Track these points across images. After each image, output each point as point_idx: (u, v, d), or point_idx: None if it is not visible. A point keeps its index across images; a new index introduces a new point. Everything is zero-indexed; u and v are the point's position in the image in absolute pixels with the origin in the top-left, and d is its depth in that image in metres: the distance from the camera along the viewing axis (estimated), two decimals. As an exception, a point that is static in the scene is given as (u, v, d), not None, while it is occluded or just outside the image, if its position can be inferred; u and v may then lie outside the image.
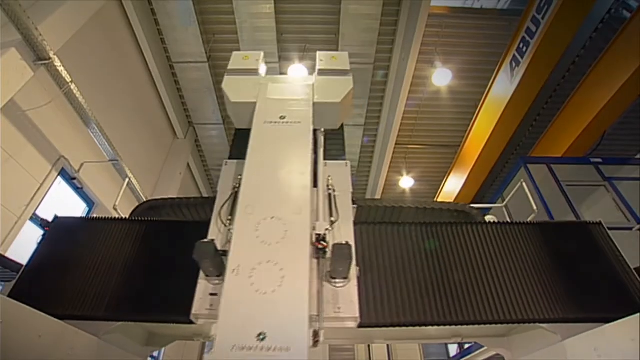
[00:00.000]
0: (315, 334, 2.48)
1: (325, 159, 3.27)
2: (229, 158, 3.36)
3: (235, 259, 2.33)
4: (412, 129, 10.90)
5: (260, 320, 2.22)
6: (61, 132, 6.34)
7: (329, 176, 3.25)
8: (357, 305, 2.95)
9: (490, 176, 10.09)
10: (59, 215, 3.60)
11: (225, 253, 2.61)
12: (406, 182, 12.25)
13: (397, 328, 3.16)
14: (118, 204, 4.20)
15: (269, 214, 2.47)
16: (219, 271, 2.78)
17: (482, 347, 10.09)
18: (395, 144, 10.57)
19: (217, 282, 2.85)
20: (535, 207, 4.11)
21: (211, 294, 2.88)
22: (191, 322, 2.94)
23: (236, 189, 2.98)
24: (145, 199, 6.76)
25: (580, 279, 3.36)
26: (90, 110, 6.24)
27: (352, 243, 2.80)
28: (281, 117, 2.92)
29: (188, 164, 10.94)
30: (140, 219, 3.78)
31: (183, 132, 10.60)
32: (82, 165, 6.71)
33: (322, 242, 2.73)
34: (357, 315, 2.95)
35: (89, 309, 3.38)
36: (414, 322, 3.18)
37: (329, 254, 2.80)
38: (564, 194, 6.08)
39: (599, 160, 6.57)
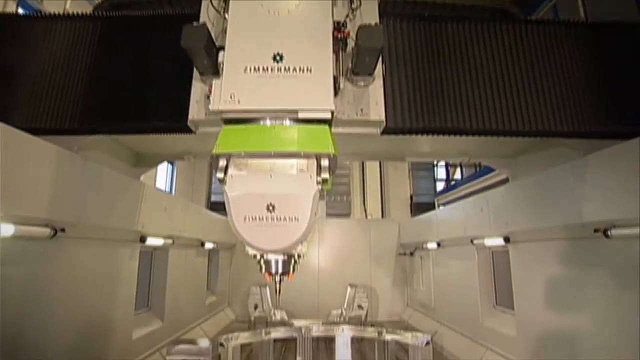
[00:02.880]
0: (335, 79, 2.38)
1: None
2: None
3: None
4: None
5: (275, 39, 2.26)
6: None
7: None
8: (382, 106, 2.72)
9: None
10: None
11: (222, 49, 2.40)
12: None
13: (409, 138, 2.95)
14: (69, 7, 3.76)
15: None
16: (215, 67, 2.52)
17: (466, 182, 10.65)
18: None
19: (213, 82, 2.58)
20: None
21: (208, 96, 2.65)
22: (188, 130, 2.81)
23: None
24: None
25: (620, 91, 3.17)
26: None
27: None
28: None
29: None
30: (99, 14, 3.39)
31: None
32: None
33: (343, 30, 2.46)
34: (383, 118, 2.73)
35: (50, 121, 3.12)
36: (446, 128, 2.97)
37: (349, 47, 2.52)
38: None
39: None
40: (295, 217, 2.21)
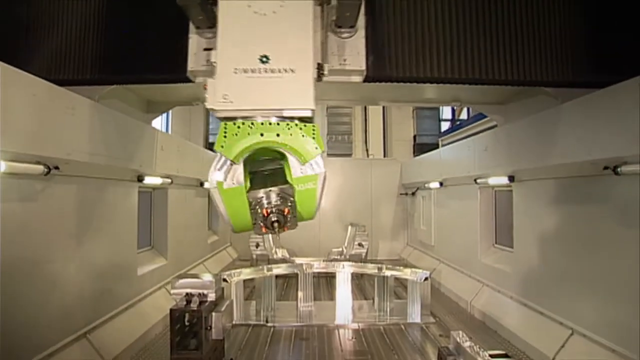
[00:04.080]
0: (320, 66, 2.67)
1: None
2: None
3: None
4: None
5: (261, 41, 2.51)
6: None
7: None
8: (364, 57, 2.96)
9: None
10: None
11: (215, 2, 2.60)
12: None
13: (402, 85, 3.24)
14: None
15: None
16: (211, 21, 2.74)
17: (472, 122, 11.11)
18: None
19: (209, 35, 2.82)
20: None
21: (205, 49, 2.93)
22: (188, 80, 3.07)
23: None
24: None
25: (607, 42, 3.31)
26: None
27: None
28: None
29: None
30: None
31: None
32: None
33: None
34: (364, 67, 2.97)
35: (73, 73, 3.48)
36: (424, 77, 3.19)
37: (333, 1, 2.72)
38: None
39: None
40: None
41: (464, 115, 14.26)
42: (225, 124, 2.69)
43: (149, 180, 5.91)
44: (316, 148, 2.72)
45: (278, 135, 2.69)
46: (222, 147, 2.68)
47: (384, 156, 14.67)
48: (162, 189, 6.98)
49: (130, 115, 5.35)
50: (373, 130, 14.93)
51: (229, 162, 2.69)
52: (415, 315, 6.33)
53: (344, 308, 6.57)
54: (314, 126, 2.73)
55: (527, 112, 5.18)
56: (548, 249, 5.06)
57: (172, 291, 3.89)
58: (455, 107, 14.36)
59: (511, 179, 5.71)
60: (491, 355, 2.85)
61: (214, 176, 2.72)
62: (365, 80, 3.10)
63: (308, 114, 2.64)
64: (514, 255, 5.97)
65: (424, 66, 3.16)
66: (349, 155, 14.48)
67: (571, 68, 3.30)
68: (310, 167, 2.75)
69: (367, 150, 14.83)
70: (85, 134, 4.16)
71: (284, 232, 2.91)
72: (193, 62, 3.02)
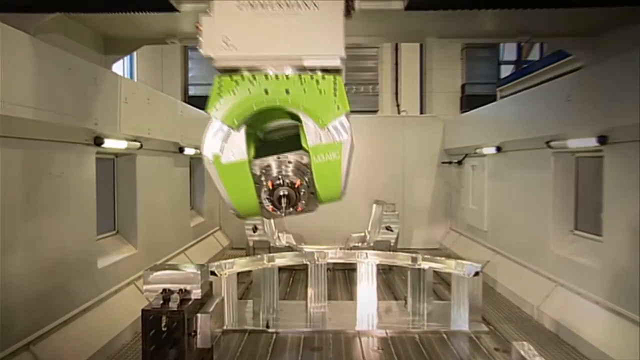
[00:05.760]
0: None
1: None
2: None
3: None
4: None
5: None
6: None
7: None
8: None
9: None
10: None
11: None
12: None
13: (452, 12, 3.43)
14: None
15: None
16: None
17: (544, 65, 11.18)
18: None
19: None
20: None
21: None
22: (169, 8, 3.17)
23: None
24: None
25: None
26: None
27: None
28: None
29: None
30: None
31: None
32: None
33: None
34: None
35: None
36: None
37: None
38: None
39: None
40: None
41: (534, 56, 13.81)
42: (220, 78, 2.73)
43: (110, 143, 5.81)
44: (338, 107, 2.77)
45: (288, 91, 2.69)
46: (216, 109, 2.72)
47: (421, 113, 14.48)
48: (128, 156, 6.91)
49: (81, 57, 5.20)
50: (406, 79, 14.63)
51: (225, 129, 2.73)
52: (461, 321, 6.27)
53: (367, 310, 6.60)
54: (335, 78, 2.73)
55: (629, 46, 4.92)
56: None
57: (144, 287, 3.88)
58: (522, 43, 13.80)
59: (602, 140, 5.50)
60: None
61: (209, 147, 2.75)
62: (408, 8, 3.16)
63: (336, 63, 2.69)
64: (603, 246, 5.82)
65: None
66: (374, 111, 14.39)
67: None
68: (331, 132, 2.80)
69: (397, 105, 14.68)
70: (17, 80, 3.98)
71: (296, 214, 2.94)
72: None
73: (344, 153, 2.87)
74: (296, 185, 2.81)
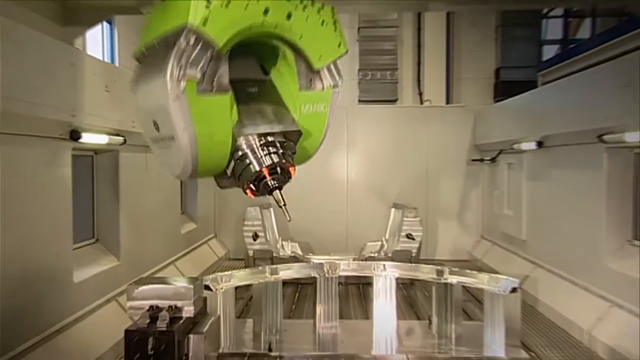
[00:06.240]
0: None
1: None
2: None
3: None
4: None
5: None
6: None
7: None
8: None
9: None
10: None
11: None
12: None
13: None
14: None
15: None
16: None
17: (597, 44, 10.90)
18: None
19: None
20: None
21: None
22: None
23: None
24: None
25: None
26: None
27: None
28: None
29: None
30: None
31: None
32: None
33: None
34: None
35: None
36: None
37: None
38: None
39: None
40: None
41: (583, 34, 13.58)
42: None
43: (88, 137, 5.81)
44: (339, 45, 2.70)
45: (290, 16, 2.56)
46: (204, 23, 2.41)
47: (447, 102, 14.31)
48: (109, 152, 6.93)
49: (34, 29, 5.03)
50: (430, 64, 14.45)
51: (210, 52, 2.47)
52: (496, 345, 6.18)
53: (386, 331, 6.57)
54: (333, 9, 2.66)
55: None
56: None
57: (128, 304, 3.89)
58: (570, 19, 13.53)
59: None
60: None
61: (176, 70, 2.42)
62: None
63: None
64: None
65: None
66: (394, 101, 14.22)
67: None
68: (323, 76, 2.76)
69: (420, 94, 14.54)
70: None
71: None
72: None
73: (332, 103, 2.79)
74: (288, 171, 2.77)
